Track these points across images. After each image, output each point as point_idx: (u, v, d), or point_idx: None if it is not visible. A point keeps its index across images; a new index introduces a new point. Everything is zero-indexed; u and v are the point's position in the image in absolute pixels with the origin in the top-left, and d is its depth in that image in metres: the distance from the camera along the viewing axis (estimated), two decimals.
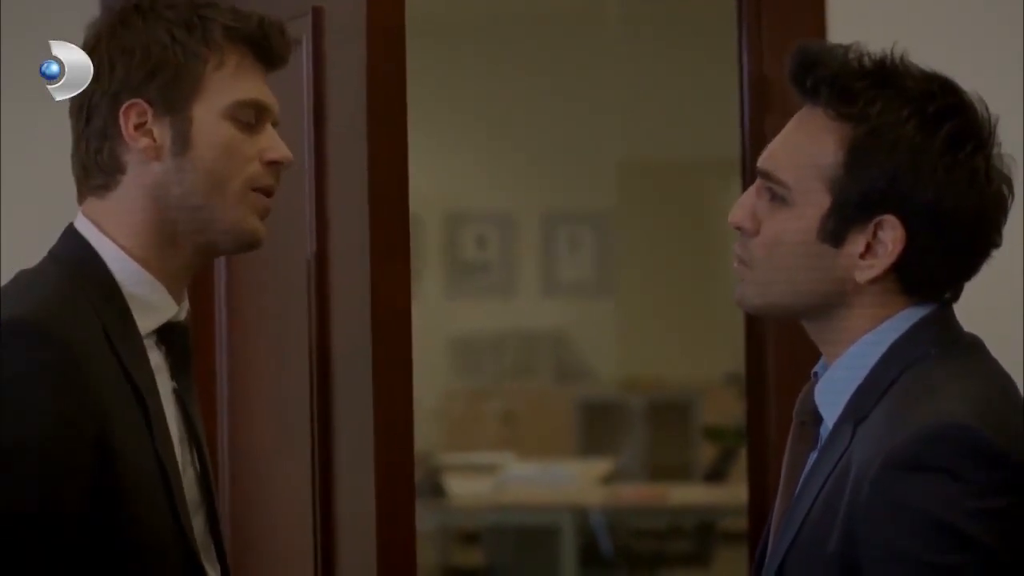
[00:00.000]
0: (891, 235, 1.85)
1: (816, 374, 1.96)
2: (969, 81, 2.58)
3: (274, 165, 2.01)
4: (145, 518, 1.89)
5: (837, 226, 1.86)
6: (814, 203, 1.87)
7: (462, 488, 7.07)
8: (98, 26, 2.01)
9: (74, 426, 1.83)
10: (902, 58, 1.90)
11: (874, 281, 1.86)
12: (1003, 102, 2.40)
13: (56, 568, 1.82)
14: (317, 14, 2.49)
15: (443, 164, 7.97)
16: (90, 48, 1.99)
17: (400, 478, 2.33)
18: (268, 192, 2.01)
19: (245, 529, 2.72)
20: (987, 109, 1.90)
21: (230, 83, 1.99)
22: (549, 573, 6.97)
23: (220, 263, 2.78)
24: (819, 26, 2.83)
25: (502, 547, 7.22)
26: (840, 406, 1.88)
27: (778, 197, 1.89)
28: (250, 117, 2.00)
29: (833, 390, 1.90)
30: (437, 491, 6.92)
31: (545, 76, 8.04)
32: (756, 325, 2.82)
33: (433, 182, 7.67)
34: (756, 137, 2.85)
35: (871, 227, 1.85)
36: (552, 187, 8.36)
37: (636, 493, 7.15)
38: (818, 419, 1.93)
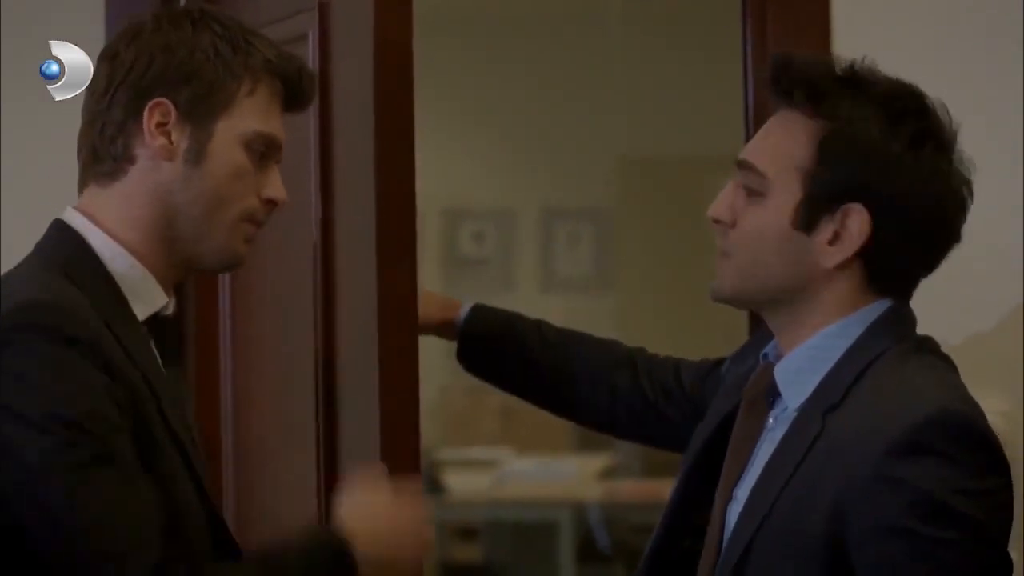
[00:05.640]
0: (857, 222, 2.00)
1: (766, 355, 2.12)
2: (970, 81, 2.59)
3: (270, 204, 2.05)
4: (179, 486, 1.93)
5: (809, 215, 2.02)
6: (789, 194, 2.03)
7: (460, 483, 7.07)
8: (142, 18, 2.03)
9: (113, 393, 1.86)
10: (871, 66, 2.06)
11: (841, 268, 2.02)
12: (1003, 102, 2.42)
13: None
14: (323, 9, 2.49)
15: (442, 160, 7.96)
16: (131, 37, 2.01)
17: (406, 471, 2.33)
18: (259, 225, 2.06)
19: (250, 521, 2.72)
20: (949, 115, 2.04)
21: (256, 112, 2.02)
22: (547, 568, 6.97)
23: None
24: (823, 20, 2.83)
25: (500, 542, 7.22)
26: (804, 391, 2.03)
27: (755, 192, 2.05)
28: (262, 150, 2.03)
29: (795, 374, 2.05)
30: (435, 486, 6.92)
31: (545, 71, 8.03)
32: (760, 322, 2.81)
33: (432, 178, 7.64)
34: None
35: (839, 215, 2.01)
36: (551, 183, 8.35)
37: (634, 489, 7.15)
38: (771, 399, 2.08)
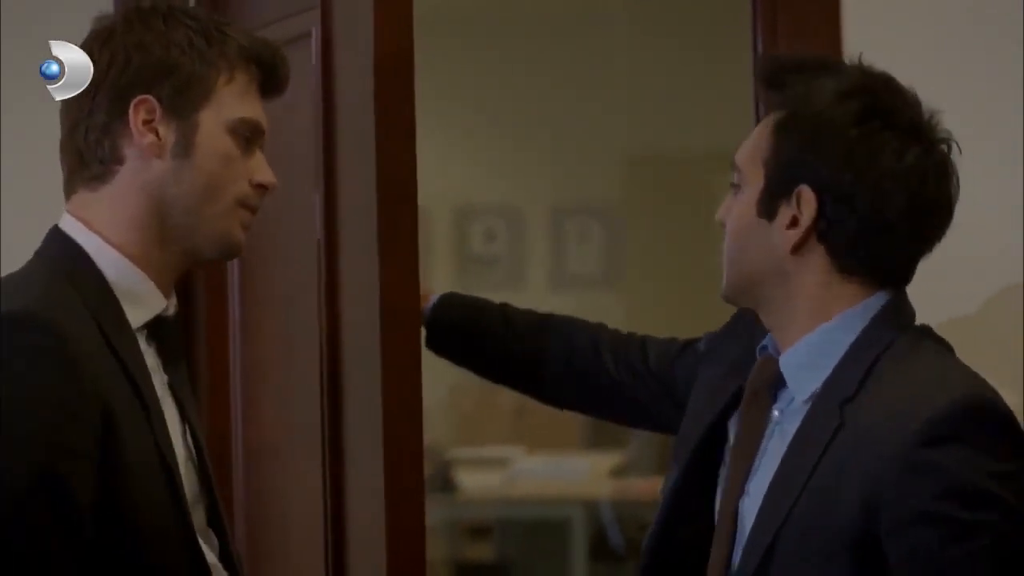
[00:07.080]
0: (807, 204, 2.00)
1: (764, 348, 2.11)
2: (978, 79, 2.58)
3: (261, 188, 2.05)
4: (148, 505, 1.91)
5: (769, 202, 2.03)
6: (754, 184, 2.05)
7: (472, 482, 7.07)
8: (113, 19, 2.03)
9: (78, 413, 1.84)
10: (844, 59, 2.08)
11: (804, 253, 2.01)
12: (1004, 102, 2.41)
13: (63, 551, 1.82)
14: (326, 7, 2.49)
15: (452, 158, 7.96)
16: (103, 39, 2.01)
17: (410, 470, 2.33)
18: (253, 211, 2.06)
19: (257, 520, 2.73)
20: (919, 102, 2.02)
21: (237, 99, 2.03)
22: (559, 566, 6.97)
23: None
24: (834, 17, 2.82)
25: (512, 540, 7.22)
26: (811, 384, 2.03)
27: (736, 187, 2.08)
28: (247, 135, 2.03)
29: (801, 367, 2.04)
30: (447, 485, 6.93)
31: (554, 69, 8.03)
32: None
33: (442, 176, 7.66)
34: None
35: (793, 199, 2.01)
36: (561, 181, 8.35)
37: (646, 486, 7.14)
38: (774, 392, 2.07)
